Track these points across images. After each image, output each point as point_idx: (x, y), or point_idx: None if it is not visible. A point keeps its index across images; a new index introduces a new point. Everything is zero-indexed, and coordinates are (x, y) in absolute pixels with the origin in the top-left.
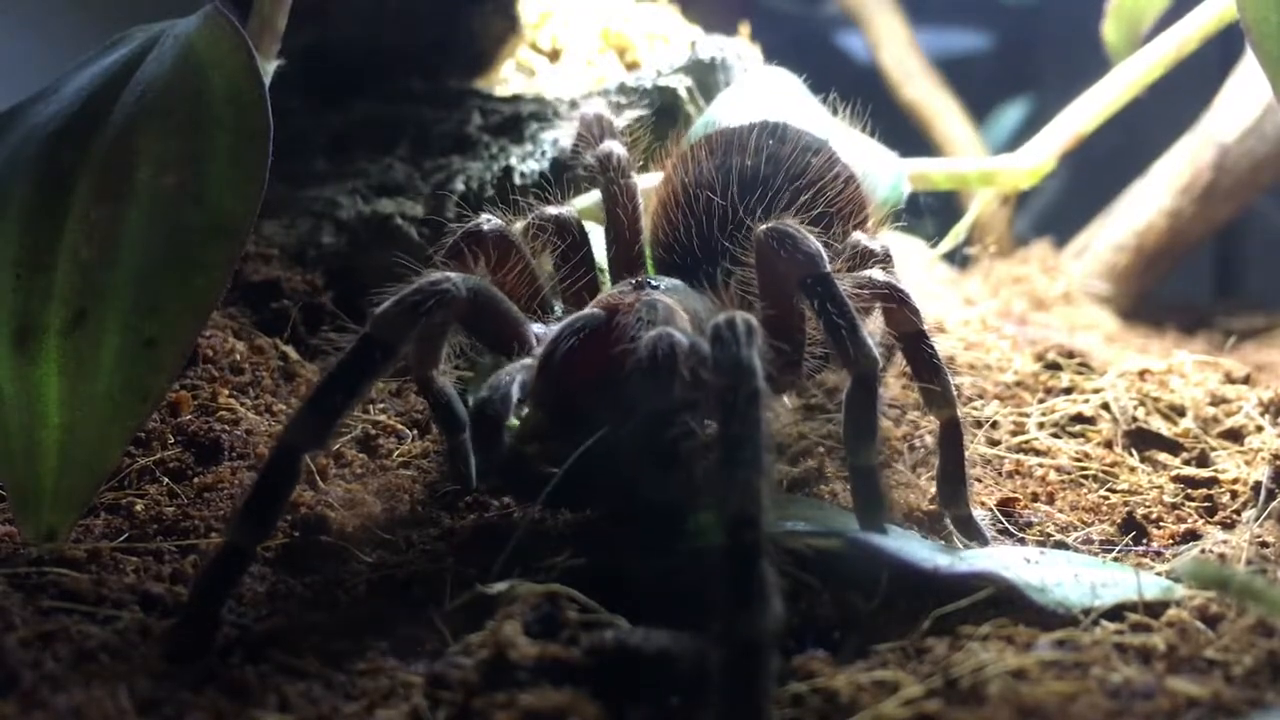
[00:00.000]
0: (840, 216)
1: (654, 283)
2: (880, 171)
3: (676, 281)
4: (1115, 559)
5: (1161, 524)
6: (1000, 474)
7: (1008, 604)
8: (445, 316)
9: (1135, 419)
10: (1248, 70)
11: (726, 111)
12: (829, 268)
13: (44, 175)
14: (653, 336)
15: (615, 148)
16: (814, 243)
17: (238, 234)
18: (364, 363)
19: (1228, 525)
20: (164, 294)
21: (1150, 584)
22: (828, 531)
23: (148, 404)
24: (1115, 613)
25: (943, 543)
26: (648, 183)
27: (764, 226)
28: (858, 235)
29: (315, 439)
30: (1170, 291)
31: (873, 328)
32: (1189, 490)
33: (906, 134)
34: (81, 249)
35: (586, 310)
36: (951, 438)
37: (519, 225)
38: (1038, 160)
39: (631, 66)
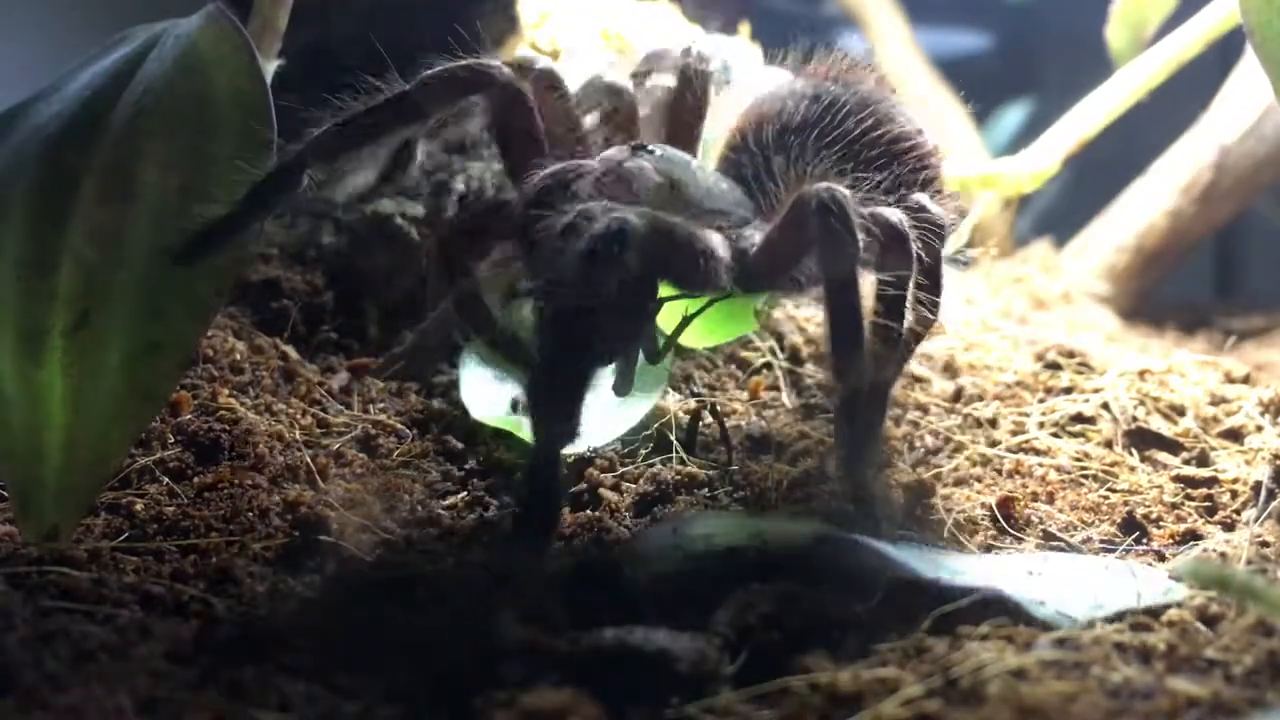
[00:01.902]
0: (901, 161)
1: (651, 148)
2: None
3: (678, 153)
4: (1116, 559)
5: (1162, 524)
6: (1000, 473)
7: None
8: (482, 103)
9: (1135, 419)
10: (1248, 70)
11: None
12: (859, 273)
13: (46, 176)
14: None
15: (699, 45)
16: (857, 241)
17: (244, 239)
18: (394, 113)
19: (1228, 525)
20: (168, 297)
21: (1151, 585)
22: (834, 534)
23: (152, 406)
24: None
25: (942, 545)
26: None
27: (819, 187)
28: (920, 196)
29: (325, 155)
30: (1170, 291)
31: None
32: (1189, 490)
33: None
34: (85, 250)
35: (577, 161)
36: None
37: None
38: (1041, 164)
39: None
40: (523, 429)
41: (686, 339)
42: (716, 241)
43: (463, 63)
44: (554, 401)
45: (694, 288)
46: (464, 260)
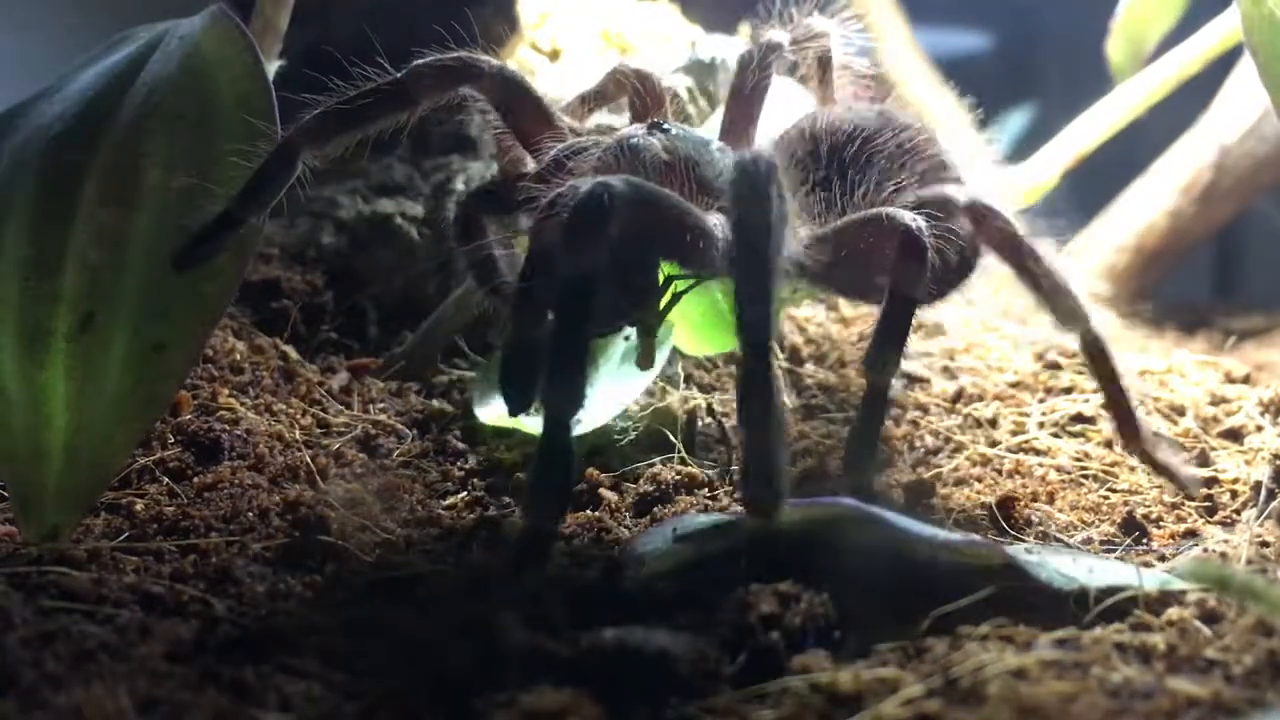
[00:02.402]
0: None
1: (666, 126)
2: None
3: (695, 133)
4: (1118, 559)
5: (1162, 524)
6: (1000, 473)
7: (1007, 601)
8: (476, 88)
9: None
10: (1247, 71)
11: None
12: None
13: (50, 177)
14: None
15: (778, 36)
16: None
17: (247, 239)
18: (386, 99)
19: (1228, 525)
20: (173, 299)
21: (1150, 577)
22: (831, 501)
23: (156, 408)
24: (1115, 611)
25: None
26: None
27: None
28: (948, 188)
29: (315, 139)
30: (1170, 291)
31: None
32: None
33: None
34: (89, 252)
35: (594, 137)
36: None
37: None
38: (1039, 178)
39: None
40: (524, 424)
41: (686, 345)
42: (715, 220)
43: (454, 54)
44: (555, 372)
45: (690, 264)
46: (482, 228)
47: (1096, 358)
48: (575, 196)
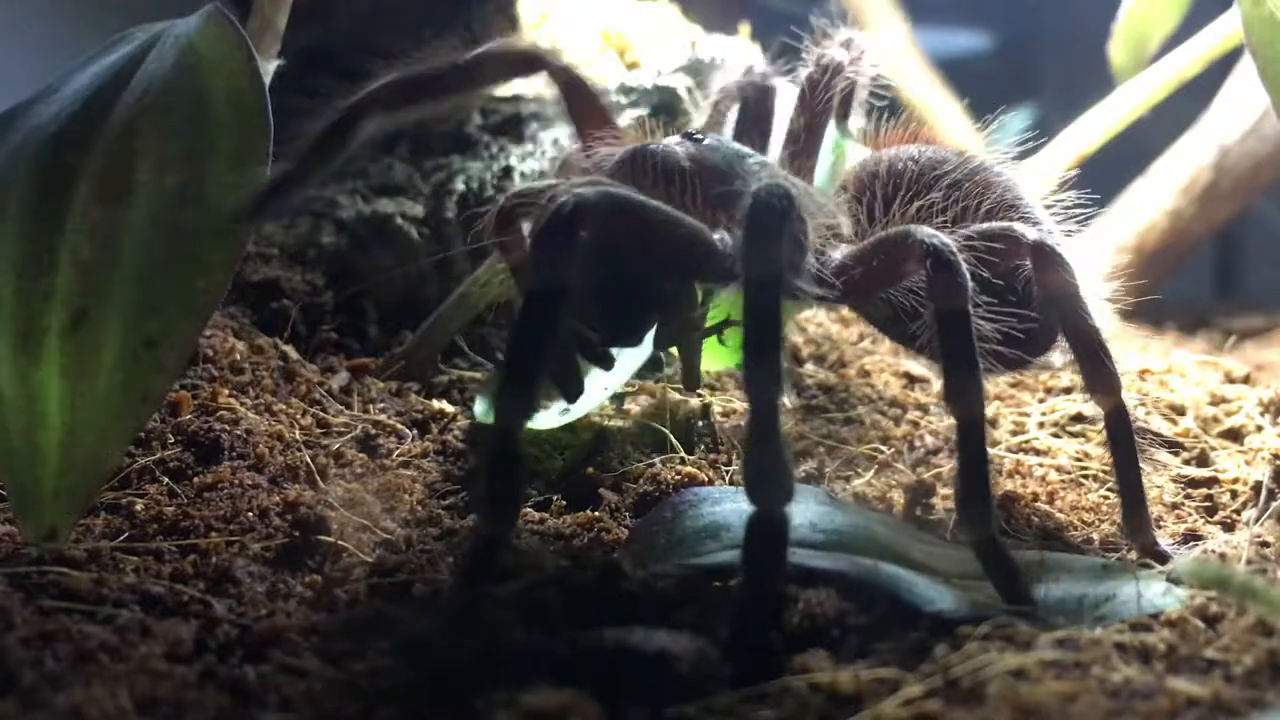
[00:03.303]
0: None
1: (698, 136)
2: None
3: (731, 145)
4: (1118, 559)
5: (1162, 524)
6: (1000, 473)
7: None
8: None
9: (1135, 419)
10: (1247, 71)
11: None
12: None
13: (44, 176)
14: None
15: (838, 54)
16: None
17: (239, 236)
18: (453, 77)
19: (1228, 525)
20: (165, 295)
21: (1151, 589)
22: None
23: (149, 404)
24: None
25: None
26: None
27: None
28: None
29: (385, 104)
30: (1170, 291)
31: None
32: (1189, 490)
33: None
34: (82, 249)
35: (624, 146)
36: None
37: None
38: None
39: (631, 66)
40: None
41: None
42: (720, 234)
43: (524, 45)
44: (509, 377)
45: (695, 276)
46: (517, 227)
47: (1120, 435)
48: (548, 212)
